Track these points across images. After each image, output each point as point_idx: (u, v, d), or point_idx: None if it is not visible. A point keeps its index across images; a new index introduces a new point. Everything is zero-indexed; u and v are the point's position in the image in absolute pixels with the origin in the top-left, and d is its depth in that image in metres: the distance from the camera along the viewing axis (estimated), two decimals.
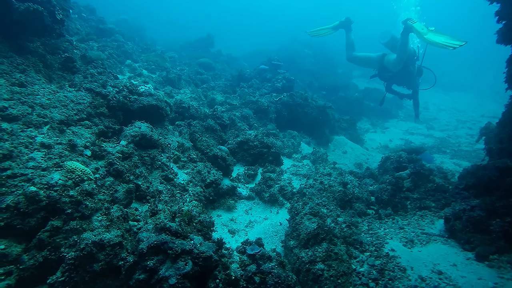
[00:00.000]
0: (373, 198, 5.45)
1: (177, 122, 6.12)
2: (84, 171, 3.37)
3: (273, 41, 27.19)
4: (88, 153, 3.74)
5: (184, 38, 21.85)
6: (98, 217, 3.26)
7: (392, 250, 3.97)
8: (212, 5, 55.08)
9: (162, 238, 2.85)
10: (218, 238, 3.15)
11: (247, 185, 5.38)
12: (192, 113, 6.51)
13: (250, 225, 4.55)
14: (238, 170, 5.72)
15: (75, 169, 3.30)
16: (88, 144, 3.83)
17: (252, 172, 5.53)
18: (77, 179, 3.25)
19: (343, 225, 4.29)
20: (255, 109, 8.44)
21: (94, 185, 3.39)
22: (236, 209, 4.84)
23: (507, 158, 4.86)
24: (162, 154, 4.52)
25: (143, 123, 4.54)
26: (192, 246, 2.89)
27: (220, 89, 9.58)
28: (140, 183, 3.94)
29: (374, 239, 4.31)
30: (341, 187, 5.10)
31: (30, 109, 3.71)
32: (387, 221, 4.86)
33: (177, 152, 4.72)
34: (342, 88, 15.30)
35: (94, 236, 2.84)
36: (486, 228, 3.99)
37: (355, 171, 6.98)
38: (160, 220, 3.08)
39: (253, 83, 10.08)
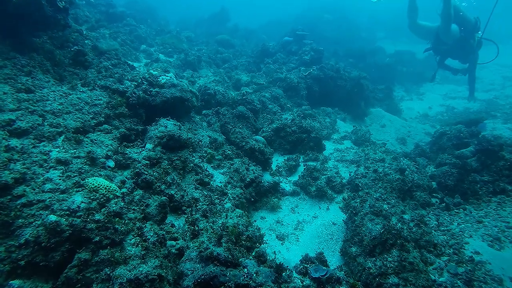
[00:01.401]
0: (434, 184, 4.74)
1: (204, 111, 5.52)
2: (109, 188, 2.86)
3: (287, 10, 25.74)
4: (111, 164, 3.22)
5: (198, 14, 20.87)
6: (130, 240, 2.76)
7: (477, 253, 3.31)
8: None
9: (211, 271, 2.33)
10: (276, 264, 2.58)
11: (290, 178, 4.78)
12: (218, 99, 5.88)
13: (300, 227, 3.99)
14: (277, 160, 5.11)
15: (99, 187, 2.79)
16: (110, 153, 3.30)
17: (294, 163, 4.90)
18: (102, 199, 2.74)
19: (411, 224, 3.65)
20: (284, 87, 7.69)
21: (122, 203, 2.89)
22: (281, 208, 4.27)
23: None
24: (194, 154, 3.96)
25: (169, 120, 3.96)
26: (247, 277, 2.35)
27: (243, 68, 8.83)
28: (173, 192, 3.41)
29: (448, 238, 3.65)
30: (398, 174, 4.40)
31: (41, 118, 3.19)
32: (458, 212, 4.16)
33: (210, 150, 4.14)
34: (370, 54, 14.11)
35: (129, 271, 2.36)
36: None
37: (406, 152, 6.20)
38: (205, 245, 2.56)
39: (278, 58, 9.25)
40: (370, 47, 16.07)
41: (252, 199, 4.07)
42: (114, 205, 2.77)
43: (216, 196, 3.73)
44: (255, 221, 4.05)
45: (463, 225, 3.86)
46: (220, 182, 3.90)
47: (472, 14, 7.33)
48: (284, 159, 5.03)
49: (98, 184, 2.78)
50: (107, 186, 2.82)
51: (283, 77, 7.80)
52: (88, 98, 3.68)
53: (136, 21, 10.28)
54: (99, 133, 3.47)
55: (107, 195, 2.78)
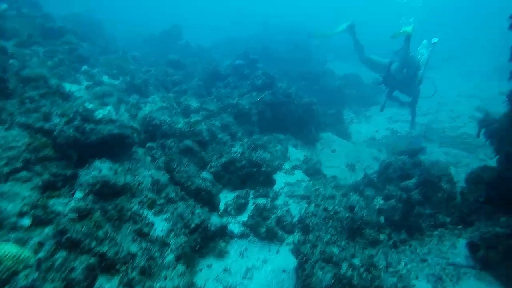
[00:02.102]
0: (382, 219, 4.79)
1: (148, 145, 5.13)
2: (18, 257, 2.39)
3: (243, 28, 25.95)
4: (27, 222, 2.75)
5: (148, 31, 20.17)
6: None
7: None
8: None
9: None
10: None
11: (239, 218, 4.54)
12: (165, 131, 5.51)
13: (249, 275, 3.74)
14: (225, 197, 4.85)
15: (2, 258, 2.32)
16: (26, 208, 2.82)
17: (243, 201, 4.68)
18: (5, 275, 2.28)
19: (361, 269, 3.58)
20: (235, 114, 7.52)
21: (36, 274, 2.43)
22: (229, 253, 4.00)
23: None
24: (133, 200, 3.57)
25: (104, 162, 3.54)
26: None
27: (193, 92, 8.53)
28: (105, 249, 2.99)
29: (397, 280, 3.63)
30: (348, 212, 4.38)
31: None
32: (404, 250, 4.21)
33: (151, 194, 3.77)
34: (321, 76, 14.54)
35: None
36: None
37: (356, 182, 6.27)
38: None
39: (230, 82, 9.10)
40: (321, 69, 16.61)
41: (198, 247, 3.75)
42: (23, 280, 2.32)
43: (157, 248, 3.36)
44: (201, 269, 3.73)
45: (409, 265, 3.89)
46: (162, 231, 3.55)
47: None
48: (234, 196, 4.79)
49: (3, 254, 2.31)
50: (14, 255, 2.36)
51: (234, 103, 7.64)
52: (2, 140, 3.16)
53: (78, 38, 9.55)
54: (13, 183, 2.97)
55: (14, 268, 2.31)
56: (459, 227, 4.65)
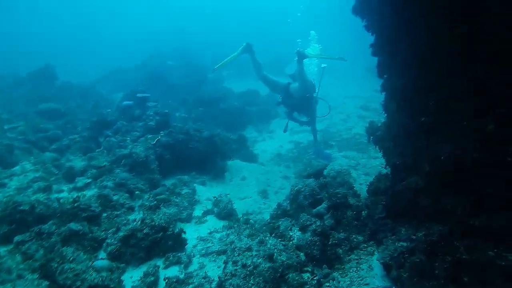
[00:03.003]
0: (302, 256, 4.73)
1: (17, 239, 4.09)
2: None
3: (128, 58, 24.51)
4: None
5: (13, 71, 17.31)
6: None
7: None
8: (50, 21, 46.16)
9: None
10: None
11: None
12: (40, 213, 4.52)
13: None
14: (131, 278, 4.16)
15: None
16: None
17: (152, 278, 4.07)
18: None
19: None
20: (130, 165, 6.77)
21: None
22: None
23: (410, 173, 4.74)
24: None
25: None
26: None
27: (78, 146, 7.43)
28: None
29: None
30: (267, 262, 4.16)
31: None
32: (329, 286, 4.19)
33: None
34: (220, 99, 14.48)
35: None
36: (432, 273, 3.66)
37: (271, 215, 6.16)
38: None
39: (120, 127, 8.23)
40: (219, 90, 16.61)
41: None
42: None
43: None
44: None
45: None
46: None
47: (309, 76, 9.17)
48: (141, 275, 4.14)
49: None
50: None
51: (128, 153, 6.87)
52: None
53: None
54: None
55: None
56: (371, 243, 4.88)
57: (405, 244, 4.18)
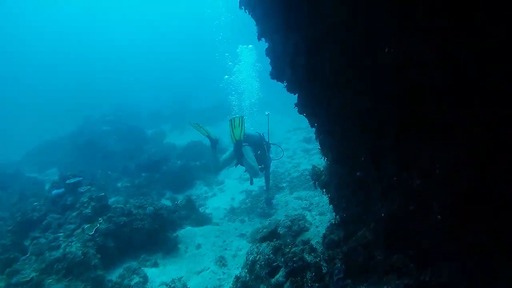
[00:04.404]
0: None
1: None
2: None
3: (58, 129, 23.08)
4: None
5: None
6: None
7: None
8: None
9: None
10: None
11: None
12: None
13: None
14: None
15: None
16: None
17: None
18: None
19: None
20: (67, 268, 6.00)
21: None
22: None
23: (359, 225, 4.76)
24: None
25: None
26: None
27: None
28: None
29: None
30: None
31: None
32: None
33: None
34: (162, 161, 13.95)
35: None
36: None
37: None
38: None
39: (51, 222, 7.39)
40: (160, 152, 16.04)
41: None
42: None
43: None
44: None
45: None
46: None
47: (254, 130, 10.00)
48: None
49: None
50: None
51: (61, 255, 6.11)
52: None
53: None
54: None
55: None
56: None
57: None
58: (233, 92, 16.55)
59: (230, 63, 15.63)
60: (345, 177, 4.85)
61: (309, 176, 11.99)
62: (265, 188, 10.36)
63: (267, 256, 5.46)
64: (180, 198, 12.52)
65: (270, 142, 9.88)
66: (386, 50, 2.55)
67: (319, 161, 9.62)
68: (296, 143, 17.72)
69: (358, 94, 3.11)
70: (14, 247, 6.71)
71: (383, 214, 3.67)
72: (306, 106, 4.60)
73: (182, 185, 12.76)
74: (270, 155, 10.00)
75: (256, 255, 5.63)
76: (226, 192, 12.79)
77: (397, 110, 2.82)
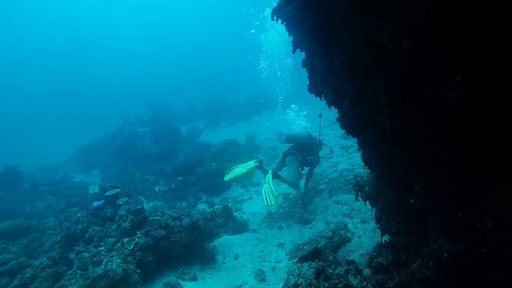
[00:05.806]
0: None
1: None
2: None
3: (96, 132, 24.02)
4: None
5: None
6: None
7: None
8: None
9: None
10: None
11: None
12: None
13: None
14: None
15: None
16: None
17: None
18: None
19: None
20: (108, 285, 6.09)
21: None
22: None
23: (411, 253, 4.30)
24: None
25: None
26: None
27: (46, 275, 6.70)
28: None
29: None
30: None
31: None
32: None
33: None
34: (197, 163, 14.00)
35: None
36: None
37: None
38: None
39: (93, 235, 7.57)
40: (194, 152, 16.15)
41: None
42: None
43: None
44: None
45: None
46: None
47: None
48: None
49: None
50: None
51: (103, 272, 6.20)
52: None
53: None
54: None
55: None
56: None
57: None
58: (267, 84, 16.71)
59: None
60: (395, 198, 4.40)
61: (348, 177, 11.47)
62: (302, 190, 10.09)
63: (309, 281, 5.15)
64: (216, 201, 12.53)
65: (322, 141, 10.20)
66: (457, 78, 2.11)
67: (359, 159, 9.12)
68: (334, 140, 17.06)
69: (418, 126, 2.67)
70: (62, 260, 6.95)
71: (446, 255, 3.22)
72: (351, 128, 4.18)
73: (217, 188, 12.72)
74: (320, 155, 10.19)
75: (297, 278, 5.33)
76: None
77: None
